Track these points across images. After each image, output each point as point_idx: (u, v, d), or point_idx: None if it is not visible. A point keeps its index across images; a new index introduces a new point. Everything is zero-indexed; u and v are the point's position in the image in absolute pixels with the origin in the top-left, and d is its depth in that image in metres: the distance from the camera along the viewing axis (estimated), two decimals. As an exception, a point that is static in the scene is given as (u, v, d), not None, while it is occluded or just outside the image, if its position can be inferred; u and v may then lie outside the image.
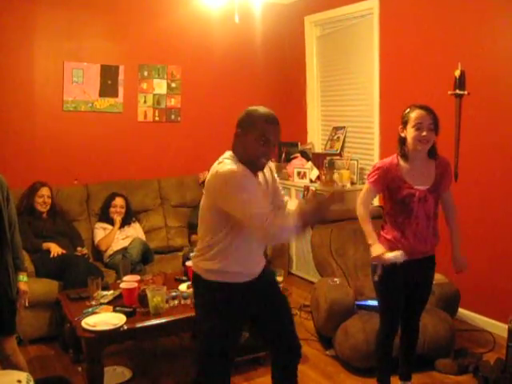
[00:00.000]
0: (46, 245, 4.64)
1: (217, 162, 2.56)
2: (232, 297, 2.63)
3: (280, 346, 2.87)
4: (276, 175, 2.85)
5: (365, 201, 3.21)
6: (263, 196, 2.56)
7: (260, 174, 2.66)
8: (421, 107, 3.05)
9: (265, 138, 2.49)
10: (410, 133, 3.03)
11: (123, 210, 5.21)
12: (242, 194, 2.39)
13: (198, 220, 2.71)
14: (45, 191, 4.85)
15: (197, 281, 2.71)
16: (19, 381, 1.90)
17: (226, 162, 2.50)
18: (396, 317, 3.29)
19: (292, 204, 2.83)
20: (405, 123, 3.06)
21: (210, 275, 2.62)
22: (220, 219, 2.53)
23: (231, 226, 2.53)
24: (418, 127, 2.99)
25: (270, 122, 2.54)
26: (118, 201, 5.21)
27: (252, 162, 2.54)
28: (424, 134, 2.99)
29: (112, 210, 5.18)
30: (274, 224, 2.36)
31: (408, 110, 3.09)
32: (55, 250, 4.59)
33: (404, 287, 3.23)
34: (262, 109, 2.61)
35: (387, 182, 3.10)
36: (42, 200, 4.82)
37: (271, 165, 2.79)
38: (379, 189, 3.16)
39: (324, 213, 2.45)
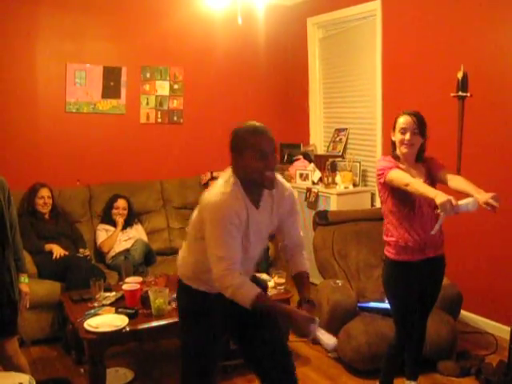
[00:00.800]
0: (48, 246, 4.65)
1: (219, 179, 2.51)
2: (204, 305, 2.57)
3: (270, 375, 2.70)
4: (297, 207, 2.72)
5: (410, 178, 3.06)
6: (264, 227, 2.51)
7: (266, 199, 2.54)
8: (408, 113, 3.14)
9: (260, 152, 2.39)
10: (396, 137, 3.15)
11: (126, 212, 5.21)
12: (217, 229, 2.34)
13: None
14: (44, 192, 4.85)
15: (178, 284, 2.69)
16: (21, 383, 1.89)
17: (220, 185, 2.44)
18: (412, 321, 3.27)
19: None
20: (394, 128, 3.18)
21: (188, 280, 2.61)
22: (196, 232, 2.50)
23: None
24: (403, 131, 3.10)
25: (259, 133, 2.43)
26: (121, 202, 5.21)
27: (258, 183, 2.44)
28: (407, 137, 3.09)
29: (114, 211, 5.18)
30: (232, 281, 2.31)
31: (398, 115, 3.18)
32: (58, 251, 4.59)
33: (418, 291, 3.22)
34: (247, 124, 2.50)
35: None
36: (43, 201, 4.83)
37: (293, 194, 2.66)
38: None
39: (286, 320, 2.41)
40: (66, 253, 4.63)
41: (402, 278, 3.19)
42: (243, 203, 2.42)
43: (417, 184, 3.00)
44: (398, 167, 3.11)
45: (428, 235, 3.09)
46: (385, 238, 3.26)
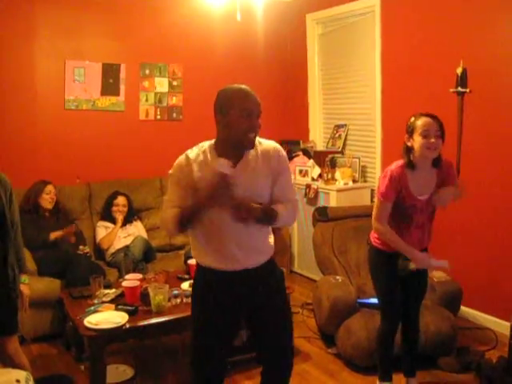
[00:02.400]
0: (53, 234, 4.69)
1: None
2: (210, 282, 2.58)
3: (268, 359, 2.77)
4: (286, 165, 2.63)
5: (382, 218, 3.12)
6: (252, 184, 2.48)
7: (248, 161, 2.49)
8: (426, 115, 3.04)
9: (246, 111, 2.41)
10: (417, 141, 3.01)
11: (125, 209, 5.20)
12: (169, 180, 2.64)
13: None
14: (51, 188, 4.88)
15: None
16: (18, 380, 1.88)
17: (187, 152, 2.65)
18: (395, 311, 3.30)
19: None
20: (411, 132, 3.04)
21: (197, 258, 2.64)
22: None
23: None
24: (426, 134, 2.98)
25: (246, 93, 2.46)
26: (121, 200, 5.21)
27: (239, 142, 2.45)
28: (432, 140, 2.97)
29: (114, 208, 5.17)
30: (162, 216, 2.63)
31: (413, 118, 3.07)
32: (66, 231, 4.71)
33: (400, 282, 3.24)
34: (233, 85, 2.53)
35: (397, 191, 3.07)
36: (50, 196, 4.85)
37: (280, 152, 2.58)
38: (393, 199, 3.09)
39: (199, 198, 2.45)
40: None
41: (386, 265, 3.21)
42: (209, 160, 2.49)
43: (391, 238, 3.11)
44: (404, 178, 3.06)
45: (415, 244, 3.14)
46: (372, 234, 3.28)
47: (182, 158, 2.61)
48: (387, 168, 3.15)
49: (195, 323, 2.67)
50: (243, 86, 2.50)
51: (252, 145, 2.48)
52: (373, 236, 3.28)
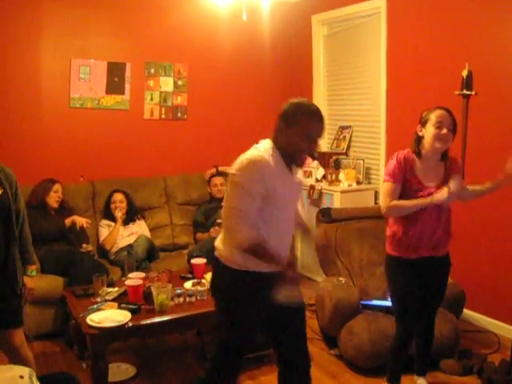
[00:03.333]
0: (68, 220, 4.79)
1: (256, 146, 2.57)
2: (256, 286, 2.56)
3: (288, 356, 2.82)
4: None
5: (394, 199, 3.12)
6: (291, 193, 2.59)
7: (298, 171, 2.67)
8: (442, 108, 3.10)
9: (308, 136, 2.45)
10: (429, 131, 3.06)
11: (123, 205, 5.19)
12: (246, 182, 2.39)
13: None
14: (58, 187, 4.90)
15: (222, 269, 2.65)
16: (21, 376, 1.88)
17: (257, 147, 2.52)
18: (412, 318, 3.30)
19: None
20: (424, 122, 3.10)
21: (234, 263, 2.58)
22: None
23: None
24: (439, 125, 3.04)
25: (316, 119, 2.48)
26: (117, 196, 5.21)
27: (293, 157, 2.52)
28: (444, 131, 3.03)
29: (112, 206, 5.18)
30: (247, 233, 2.38)
31: (427, 111, 3.13)
32: (80, 221, 4.78)
33: (419, 288, 3.24)
34: (307, 103, 2.55)
35: (404, 173, 3.11)
36: (57, 195, 4.88)
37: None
38: (400, 181, 3.12)
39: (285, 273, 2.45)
40: (88, 221, 4.86)
41: (401, 273, 3.22)
42: (276, 163, 2.48)
43: (403, 205, 3.08)
44: (411, 162, 3.11)
45: (424, 236, 3.14)
46: (387, 232, 3.29)
47: (257, 157, 2.45)
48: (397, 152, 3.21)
49: (238, 324, 2.66)
50: (316, 109, 2.52)
51: (302, 165, 2.60)
52: (387, 244, 3.28)
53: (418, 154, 3.12)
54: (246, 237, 2.38)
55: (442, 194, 3.00)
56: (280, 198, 2.50)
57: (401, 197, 3.13)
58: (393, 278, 3.28)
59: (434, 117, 3.06)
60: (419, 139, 3.13)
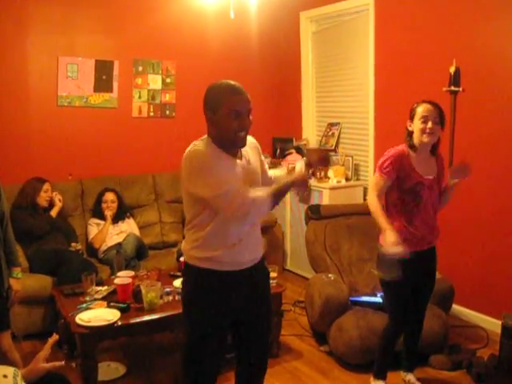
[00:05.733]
0: (53, 211, 4.90)
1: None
2: (218, 286, 2.50)
3: (245, 355, 2.76)
4: (262, 156, 2.76)
5: (380, 193, 3.19)
6: (242, 176, 2.46)
7: (243, 157, 2.53)
8: (428, 102, 3.15)
9: (235, 111, 2.37)
10: (416, 125, 3.12)
11: (114, 205, 5.18)
12: (206, 174, 2.31)
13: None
14: (48, 186, 4.88)
15: (186, 269, 2.61)
16: (5, 375, 1.87)
17: (196, 144, 2.43)
18: (404, 315, 3.32)
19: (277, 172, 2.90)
20: (412, 117, 3.16)
21: (196, 261, 2.51)
22: (195, 204, 2.45)
23: (207, 211, 2.43)
24: (424, 120, 3.08)
25: (236, 93, 2.40)
26: (109, 196, 5.19)
27: (230, 141, 2.42)
28: (429, 125, 3.07)
29: (103, 205, 5.16)
30: (247, 198, 2.31)
31: (416, 105, 3.18)
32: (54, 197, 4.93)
33: (412, 282, 3.26)
34: (223, 82, 2.47)
35: (399, 169, 3.13)
36: (47, 195, 4.86)
37: (257, 145, 2.68)
38: (392, 177, 3.15)
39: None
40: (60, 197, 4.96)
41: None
42: (219, 154, 2.41)
43: (377, 211, 3.11)
44: (407, 158, 3.13)
45: (426, 230, 3.17)
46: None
47: (199, 148, 2.39)
48: (392, 148, 3.23)
49: (199, 326, 2.58)
50: (232, 83, 2.44)
51: (243, 143, 2.47)
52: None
53: (413, 147, 3.16)
54: (244, 201, 2.31)
55: (389, 239, 3.03)
56: (231, 181, 2.39)
57: (404, 192, 3.15)
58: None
59: (419, 111, 3.12)
60: (410, 134, 3.18)
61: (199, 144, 2.42)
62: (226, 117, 2.37)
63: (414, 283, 3.27)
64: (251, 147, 2.61)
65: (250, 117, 2.43)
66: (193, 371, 2.62)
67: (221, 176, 2.32)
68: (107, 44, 5.60)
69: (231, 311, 2.57)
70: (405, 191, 3.15)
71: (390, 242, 2.99)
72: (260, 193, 2.37)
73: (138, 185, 5.63)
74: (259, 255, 2.66)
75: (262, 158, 2.76)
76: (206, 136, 2.50)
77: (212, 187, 2.30)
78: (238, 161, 2.48)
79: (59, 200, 4.96)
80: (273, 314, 2.93)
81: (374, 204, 3.15)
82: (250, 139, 2.56)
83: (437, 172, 3.22)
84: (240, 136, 2.41)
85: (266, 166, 2.79)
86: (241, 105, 2.39)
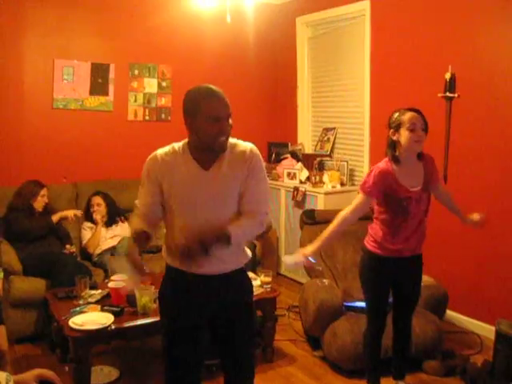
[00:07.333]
0: (56, 216, 4.82)
1: None
2: (178, 285, 2.51)
3: (227, 365, 2.66)
4: (260, 168, 2.47)
5: (357, 210, 3.18)
6: (202, 188, 2.39)
7: (221, 166, 2.39)
8: (411, 110, 3.08)
9: (213, 117, 2.30)
10: (404, 135, 3.03)
11: (101, 209, 5.13)
12: (142, 181, 2.60)
13: None
14: (45, 191, 4.86)
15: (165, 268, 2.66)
16: None
17: (166, 147, 2.54)
18: (381, 315, 3.32)
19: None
20: (397, 126, 3.07)
21: (167, 259, 2.58)
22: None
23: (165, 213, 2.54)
24: (413, 128, 3.01)
25: (213, 97, 2.35)
26: (94, 199, 5.16)
27: (210, 147, 2.36)
28: (419, 133, 3.02)
29: (91, 209, 5.15)
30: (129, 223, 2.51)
31: (397, 113, 3.10)
32: (69, 214, 4.91)
33: (393, 287, 3.28)
34: (201, 87, 2.41)
35: (384, 188, 3.08)
36: (44, 199, 4.84)
37: (255, 154, 2.45)
38: (375, 196, 3.13)
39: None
40: (77, 213, 4.98)
41: (375, 268, 3.24)
42: (182, 162, 2.43)
43: (334, 224, 3.24)
44: (391, 174, 3.09)
45: (408, 244, 3.16)
46: (369, 230, 3.30)
47: (151, 155, 2.57)
48: (375, 165, 3.19)
49: (166, 322, 2.59)
50: (210, 88, 2.39)
51: (223, 148, 2.39)
52: (367, 240, 3.29)
53: (397, 159, 3.09)
54: (131, 227, 2.56)
55: (302, 250, 3.15)
56: (180, 193, 2.41)
57: (392, 208, 3.12)
58: (366, 273, 3.30)
59: (406, 120, 3.04)
60: (394, 144, 3.10)
61: (169, 148, 2.52)
62: (204, 122, 2.32)
63: (396, 290, 3.30)
64: (240, 160, 2.43)
65: (230, 121, 2.38)
66: (169, 376, 2.59)
67: (145, 189, 2.57)
68: (103, 47, 5.61)
69: (192, 312, 2.49)
70: (393, 206, 3.12)
71: (301, 253, 3.13)
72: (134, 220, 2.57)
73: (132, 188, 5.52)
74: (223, 268, 2.47)
75: (258, 171, 2.46)
76: (186, 140, 2.50)
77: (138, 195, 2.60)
78: (205, 172, 2.40)
79: (74, 214, 4.98)
80: (267, 320, 2.90)
81: (339, 217, 3.20)
82: (247, 153, 2.43)
83: (424, 178, 3.14)
84: (220, 141, 2.35)
85: (256, 190, 2.45)
86: (219, 110, 2.34)
